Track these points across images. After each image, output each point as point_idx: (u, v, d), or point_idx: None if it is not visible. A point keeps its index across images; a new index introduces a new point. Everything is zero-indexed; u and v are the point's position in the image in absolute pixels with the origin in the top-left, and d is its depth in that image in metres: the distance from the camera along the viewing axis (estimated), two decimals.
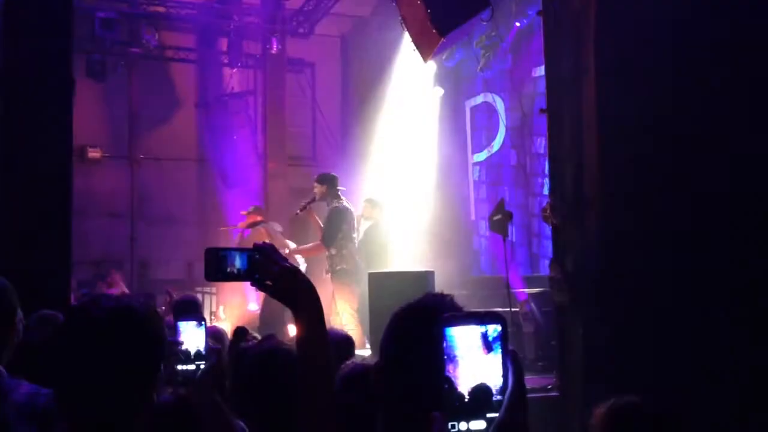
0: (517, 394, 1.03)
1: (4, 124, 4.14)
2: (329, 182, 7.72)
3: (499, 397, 1.06)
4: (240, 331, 2.53)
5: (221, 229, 9.93)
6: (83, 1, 10.31)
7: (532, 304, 7.59)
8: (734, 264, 4.21)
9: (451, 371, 1.06)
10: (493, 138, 10.13)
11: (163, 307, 8.63)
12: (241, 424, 1.95)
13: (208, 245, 1.51)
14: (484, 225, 9.93)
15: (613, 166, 4.86)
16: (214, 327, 4.64)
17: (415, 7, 5.70)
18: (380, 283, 6.52)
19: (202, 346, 2.24)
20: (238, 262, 1.46)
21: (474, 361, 1.06)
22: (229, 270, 1.46)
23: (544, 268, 8.42)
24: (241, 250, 1.47)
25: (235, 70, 11.64)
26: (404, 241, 11.18)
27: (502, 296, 6.89)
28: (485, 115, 10.33)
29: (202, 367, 2.22)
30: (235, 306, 10.18)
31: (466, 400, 1.04)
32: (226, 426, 1.91)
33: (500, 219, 6.17)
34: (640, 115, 4.70)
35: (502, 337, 1.07)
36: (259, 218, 9.09)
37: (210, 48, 11.89)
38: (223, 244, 10.41)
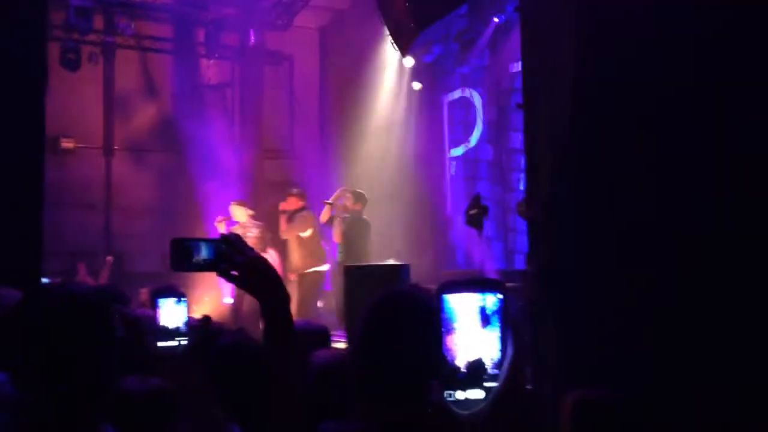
0: (516, 366, 1.05)
1: None
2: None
3: (495, 371, 1.08)
4: (205, 320, 2.52)
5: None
6: None
7: None
8: (716, 256, 4.24)
9: (448, 343, 1.07)
10: (470, 133, 10.17)
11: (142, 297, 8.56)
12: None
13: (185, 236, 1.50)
14: (460, 219, 9.97)
15: (590, 161, 4.89)
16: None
17: (393, 1, 5.70)
18: (355, 276, 6.54)
19: (182, 323, 2.23)
20: (204, 253, 1.45)
21: (471, 333, 1.08)
22: (195, 260, 1.45)
23: (520, 263, 8.48)
24: (207, 240, 1.46)
25: (212, 62, 11.56)
26: (380, 235, 11.19)
27: None
28: (463, 110, 10.37)
29: (183, 343, 2.21)
30: (210, 299, 10.14)
31: (462, 371, 1.07)
32: (211, 418, 1.89)
33: (476, 213, 6.20)
34: (620, 109, 4.73)
35: (503, 309, 1.09)
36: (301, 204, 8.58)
37: (187, 39, 11.79)
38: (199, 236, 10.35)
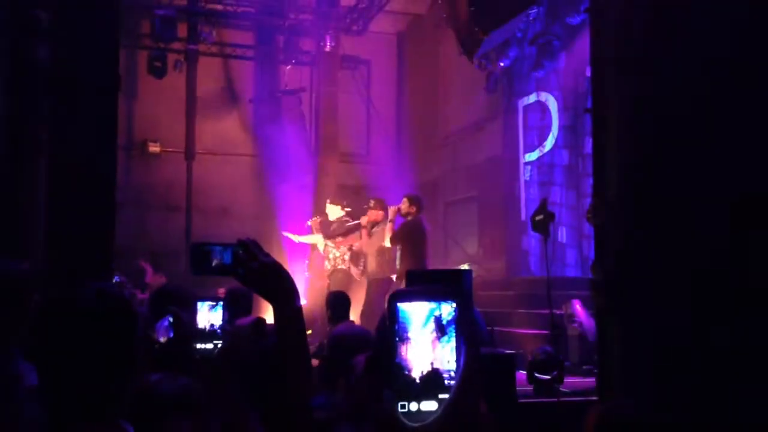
0: (467, 378, 1.03)
1: (53, 120, 4.30)
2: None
3: (452, 382, 1.06)
4: (258, 322, 2.56)
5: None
6: None
7: (578, 307, 7.47)
8: None
9: (404, 353, 1.06)
10: (546, 137, 10.00)
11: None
12: None
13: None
14: None
15: (658, 167, 4.75)
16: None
17: (458, 5, 5.67)
18: (417, 281, 6.50)
19: (217, 326, 2.32)
20: (222, 257, 1.49)
21: (427, 343, 1.07)
22: (214, 264, 1.49)
23: None
24: (225, 244, 1.50)
25: (289, 67, 11.79)
26: (454, 239, 11.15)
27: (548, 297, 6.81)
28: (538, 115, 10.20)
29: (219, 346, 2.29)
30: None
31: (417, 383, 1.06)
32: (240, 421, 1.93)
33: (542, 219, 6.09)
34: (687, 115, 4.57)
35: (457, 319, 1.07)
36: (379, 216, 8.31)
37: (266, 45, 12.07)
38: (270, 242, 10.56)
